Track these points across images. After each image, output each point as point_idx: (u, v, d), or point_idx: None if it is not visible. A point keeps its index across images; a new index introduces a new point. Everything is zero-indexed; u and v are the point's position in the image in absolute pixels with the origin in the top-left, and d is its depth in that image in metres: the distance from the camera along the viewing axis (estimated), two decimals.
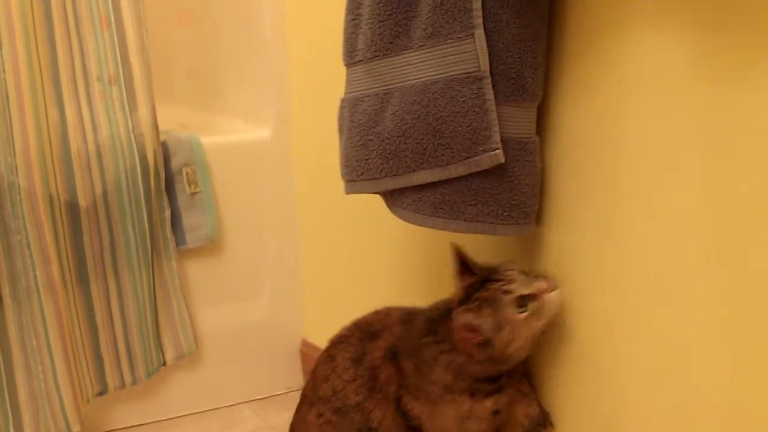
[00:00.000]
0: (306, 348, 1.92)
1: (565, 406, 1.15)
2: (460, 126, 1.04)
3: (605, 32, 1.00)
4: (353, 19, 1.15)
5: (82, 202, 1.59)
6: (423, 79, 1.06)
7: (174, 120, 1.94)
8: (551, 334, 1.12)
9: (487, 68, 1.03)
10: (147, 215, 1.65)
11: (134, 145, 1.63)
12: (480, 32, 1.02)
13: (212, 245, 1.80)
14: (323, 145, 1.73)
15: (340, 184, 1.22)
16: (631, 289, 1.02)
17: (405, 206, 1.14)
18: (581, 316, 1.09)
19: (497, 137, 1.04)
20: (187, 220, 1.75)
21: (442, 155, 1.06)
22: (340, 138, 1.21)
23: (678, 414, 0.97)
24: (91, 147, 1.60)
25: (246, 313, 1.88)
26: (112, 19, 1.60)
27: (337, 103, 1.22)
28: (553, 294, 1.06)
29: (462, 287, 1.12)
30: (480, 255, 1.18)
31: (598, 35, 1.02)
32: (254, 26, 1.89)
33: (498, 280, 1.07)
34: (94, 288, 1.64)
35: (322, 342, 1.87)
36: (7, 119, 1.48)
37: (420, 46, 1.06)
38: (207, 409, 1.84)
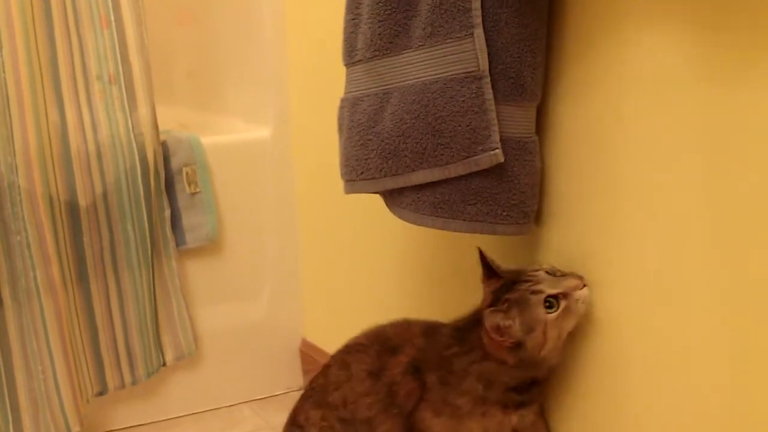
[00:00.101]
0: (306, 348, 1.92)
1: (563, 403, 1.15)
2: (460, 125, 1.04)
3: (604, 32, 1.00)
4: (353, 19, 1.15)
5: (82, 201, 1.59)
6: (422, 79, 1.06)
7: (174, 120, 1.94)
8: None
9: (487, 68, 1.03)
10: (147, 215, 1.65)
11: (134, 144, 1.63)
12: (479, 32, 1.02)
13: (212, 245, 1.80)
14: (323, 145, 1.73)
15: (340, 183, 1.22)
16: (631, 288, 1.01)
17: (404, 206, 1.13)
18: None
19: (496, 137, 1.04)
20: (187, 220, 1.75)
21: (442, 155, 1.06)
22: (340, 138, 1.21)
23: (678, 414, 0.97)
24: (91, 147, 1.60)
25: (246, 313, 1.88)
26: (112, 18, 1.60)
27: (336, 103, 1.22)
28: (582, 291, 1.04)
29: (489, 292, 1.10)
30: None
31: (598, 35, 1.02)
32: (254, 26, 1.89)
33: (525, 281, 1.05)
34: (94, 288, 1.64)
35: (322, 342, 1.89)
36: (6, 118, 1.48)
37: (419, 45, 1.06)
38: (207, 409, 1.85)
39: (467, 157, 1.05)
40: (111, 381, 1.68)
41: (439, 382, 1.12)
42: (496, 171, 1.05)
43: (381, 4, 1.09)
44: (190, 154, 1.74)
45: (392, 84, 1.10)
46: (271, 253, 1.89)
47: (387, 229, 1.54)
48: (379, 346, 1.19)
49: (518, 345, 1.05)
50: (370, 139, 1.13)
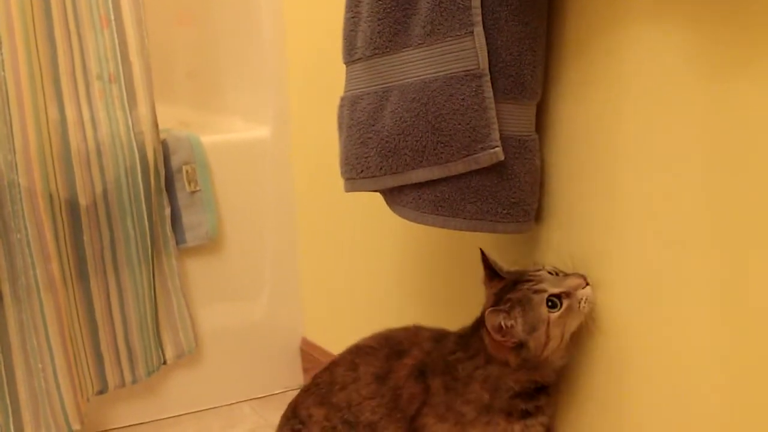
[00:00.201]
0: (306, 346, 1.92)
1: (563, 400, 1.15)
2: (460, 124, 1.04)
3: (604, 30, 1.01)
4: (352, 17, 1.15)
5: (82, 200, 1.59)
6: (422, 77, 1.06)
7: (174, 119, 1.94)
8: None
9: (486, 66, 1.03)
10: (147, 213, 1.66)
11: (134, 143, 1.63)
12: (479, 30, 1.02)
13: (212, 243, 1.80)
14: (323, 143, 1.73)
15: (340, 182, 1.22)
16: (630, 287, 1.01)
17: (404, 204, 1.13)
18: None
19: (496, 135, 1.04)
20: (187, 218, 1.75)
21: (442, 153, 1.06)
22: (340, 136, 1.21)
23: (678, 414, 0.97)
24: (91, 145, 1.60)
25: (246, 312, 1.88)
26: (112, 18, 1.61)
27: (336, 102, 1.22)
28: (585, 290, 1.03)
29: (491, 293, 1.10)
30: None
31: (598, 33, 1.02)
32: (254, 26, 1.89)
33: (528, 281, 1.05)
34: (94, 286, 1.64)
35: (322, 340, 1.89)
36: (6, 117, 1.48)
37: (419, 43, 1.06)
38: (207, 407, 1.84)
39: (467, 156, 1.05)
40: (111, 379, 1.68)
41: (443, 388, 1.11)
42: (496, 169, 1.06)
43: (381, 3, 1.09)
44: (190, 153, 1.74)
45: (392, 82, 1.10)
46: (271, 251, 1.89)
47: (386, 227, 1.55)
48: (389, 349, 1.19)
49: (521, 345, 1.04)
50: (370, 138, 1.13)
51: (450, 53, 1.04)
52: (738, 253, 0.87)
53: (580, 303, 1.03)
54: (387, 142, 1.10)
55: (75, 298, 1.61)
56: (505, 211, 1.07)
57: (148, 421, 1.78)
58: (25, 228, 1.51)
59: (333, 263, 1.79)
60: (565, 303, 1.03)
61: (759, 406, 0.87)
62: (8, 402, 1.53)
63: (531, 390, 1.08)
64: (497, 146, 1.04)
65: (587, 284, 1.04)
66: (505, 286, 1.07)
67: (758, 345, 0.86)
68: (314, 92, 1.77)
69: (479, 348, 1.09)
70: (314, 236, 1.86)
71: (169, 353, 1.76)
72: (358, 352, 1.22)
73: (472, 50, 1.03)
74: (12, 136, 1.49)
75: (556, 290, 1.03)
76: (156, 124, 1.67)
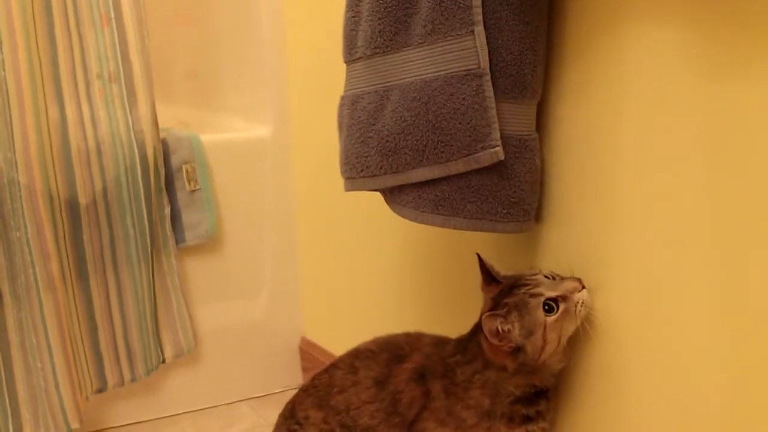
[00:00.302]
0: (305, 346, 1.92)
1: (563, 403, 1.15)
2: (460, 123, 1.04)
3: (605, 29, 1.01)
4: (353, 17, 1.15)
5: (82, 199, 1.59)
6: (423, 76, 1.06)
7: (174, 118, 1.94)
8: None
9: (487, 65, 1.03)
10: (147, 212, 1.66)
11: (134, 142, 1.63)
12: (480, 29, 1.02)
13: (212, 242, 1.80)
14: (323, 143, 1.73)
15: (340, 181, 1.22)
16: (631, 287, 1.02)
17: (404, 203, 1.13)
18: None
19: (497, 134, 1.04)
20: (187, 217, 1.75)
21: (442, 152, 1.06)
22: (340, 135, 1.21)
23: (678, 414, 0.97)
24: (91, 144, 1.60)
25: (245, 311, 1.88)
26: (113, 17, 1.61)
27: (336, 102, 1.22)
28: (581, 294, 1.03)
29: (489, 298, 1.09)
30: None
31: (598, 32, 1.02)
32: (254, 26, 1.89)
33: (524, 285, 1.05)
34: (94, 285, 1.64)
35: (321, 340, 1.89)
36: (7, 116, 1.48)
37: (420, 43, 1.06)
38: (206, 406, 1.85)
39: (468, 155, 1.05)
40: (110, 378, 1.68)
41: (443, 392, 1.11)
42: (496, 168, 1.06)
43: (381, 2, 1.09)
44: (189, 152, 1.74)
45: (392, 81, 1.10)
46: (271, 250, 1.89)
47: (386, 227, 1.55)
48: (389, 354, 1.18)
49: (518, 349, 1.04)
50: (370, 137, 1.13)
51: (451, 52, 1.04)
52: (738, 253, 0.87)
53: (576, 306, 1.03)
54: (387, 141, 1.10)
55: (74, 297, 1.61)
56: (505, 211, 1.07)
57: (147, 420, 1.79)
58: (25, 226, 1.51)
59: (332, 263, 1.79)
60: (562, 307, 1.03)
61: (759, 406, 0.87)
62: (7, 400, 1.53)
63: (531, 395, 1.08)
64: (498, 146, 1.04)
65: (583, 287, 1.04)
66: (502, 290, 1.07)
67: (758, 345, 0.86)
68: (314, 92, 1.77)
69: (477, 352, 1.09)
70: (314, 235, 1.86)
71: (169, 352, 1.76)
72: (358, 355, 1.22)
73: (472, 50, 1.03)
74: (12, 134, 1.49)
75: (552, 294, 1.03)
76: (156, 123, 1.67)
